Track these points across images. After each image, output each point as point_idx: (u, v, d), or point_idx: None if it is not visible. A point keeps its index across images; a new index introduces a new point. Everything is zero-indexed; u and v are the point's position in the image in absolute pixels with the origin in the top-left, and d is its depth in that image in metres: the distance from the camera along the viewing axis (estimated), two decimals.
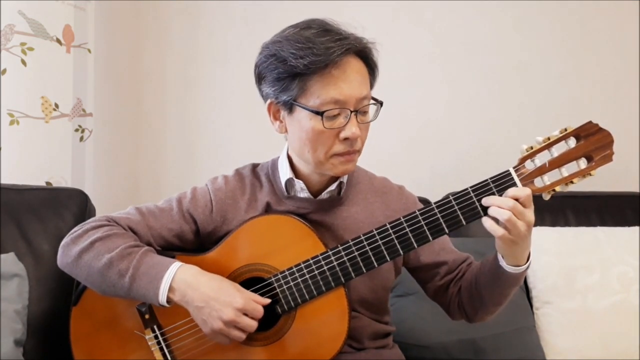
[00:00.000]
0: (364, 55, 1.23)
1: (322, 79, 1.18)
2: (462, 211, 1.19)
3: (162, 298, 1.20)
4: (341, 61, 1.18)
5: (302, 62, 1.17)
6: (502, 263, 1.23)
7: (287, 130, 1.28)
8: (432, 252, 1.38)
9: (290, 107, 1.23)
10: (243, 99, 2.28)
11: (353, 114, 1.20)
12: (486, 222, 1.16)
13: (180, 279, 1.21)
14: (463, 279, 1.36)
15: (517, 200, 1.13)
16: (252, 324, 1.21)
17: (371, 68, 1.26)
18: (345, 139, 1.21)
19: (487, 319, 1.38)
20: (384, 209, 1.37)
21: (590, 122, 1.17)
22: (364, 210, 1.36)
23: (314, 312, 1.26)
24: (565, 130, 1.17)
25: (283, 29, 1.25)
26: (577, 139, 1.17)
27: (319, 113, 1.19)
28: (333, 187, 1.33)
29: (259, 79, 1.27)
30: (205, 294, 1.20)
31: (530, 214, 1.15)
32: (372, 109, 1.26)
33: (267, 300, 1.24)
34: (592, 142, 1.16)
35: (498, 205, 1.14)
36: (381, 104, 1.26)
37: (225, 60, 2.31)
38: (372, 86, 1.28)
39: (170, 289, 1.20)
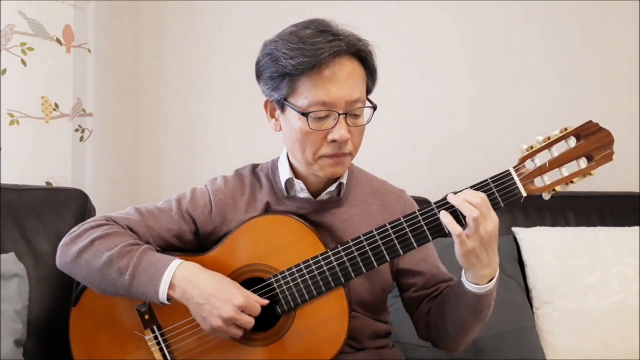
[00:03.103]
0: (362, 57, 1.22)
1: (310, 80, 1.18)
2: None
3: (163, 295, 1.20)
4: (332, 62, 1.17)
5: (291, 63, 1.17)
6: (463, 278, 1.21)
7: (281, 128, 1.28)
8: (411, 259, 1.36)
9: (282, 105, 1.24)
10: (243, 99, 2.28)
11: (342, 116, 1.20)
12: (445, 217, 1.15)
13: (180, 276, 1.21)
14: (436, 299, 1.33)
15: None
16: (250, 321, 1.21)
17: (370, 71, 1.25)
18: (333, 141, 1.21)
19: (450, 347, 1.33)
20: (382, 211, 1.36)
21: (590, 122, 1.17)
22: (363, 212, 1.35)
23: (313, 312, 1.26)
24: (566, 129, 1.17)
25: (286, 27, 1.25)
26: (577, 138, 1.17)
27: (305, 114, 1.19)
28: (332, 187, 1.33)
29: (257, 76, 1.28)
30: (206, 291, 1.20)
31: (491, 220, 1.14)
32: (367, 112, 1.25)
33: (266, 301, 1.24)
34: (593, 141, 1.17)
35: (468, 201, 1.13)
36: (375, 107, 1.25)
37: (225, 60, 2.31)
38: (370, 90, 1.27)
39: (171, 286, 1.20)
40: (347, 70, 1.20)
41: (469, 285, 1.20)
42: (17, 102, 1.94)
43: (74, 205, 1.75)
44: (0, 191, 1.69)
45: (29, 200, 1.72)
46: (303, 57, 1.16)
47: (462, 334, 1.28)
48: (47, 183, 2.00)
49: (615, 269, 1.84)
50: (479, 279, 1.19)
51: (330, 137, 1.21)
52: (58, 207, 1.73)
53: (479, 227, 1.12)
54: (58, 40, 2.02)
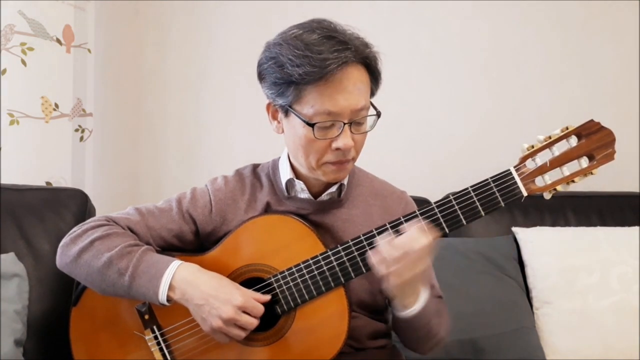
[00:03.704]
0: (367, 63, 1.21)
1: (317, 89, 1.17)
2: (462, 211, 1.19)
3: (162, 297, 1.20)
4: (339, 71, 1.15)
5: (297, 71, 1.15)
6: (394, 302, 1.25)
7: (283, 131, 1.28)
8: None
9: (286, 111, 1.23)
10: (243, 99, 2.28)
11: (347, 125, 1.19)
12: (374, 256, 1.17)
13: (180, 277, 1.21)
14: None
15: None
16: (252, 322, 1.20)
17: (374, 76, 1.23)
18: (337, 149, 1.20)
19: (416, 351, 1.38)
20: (382, 212, 1.36)
21: (591, 121, 1.17)
22: (363, 213, 1.35)
23: (313, 312, 1.26)
24: (567, 128, 1.17)
25: (289, 27, 1.23)
26: (579, 137, 1.17)
27: (310, 125, 1.18)
28: (333, 189, 1.33)
29: (260, 78, 1.26)
30: (205, 292, 1.20)
31: (422, 265, 1.16)
32: (370, 117, 1.24)
33: (267, 297, 1.24)
34: (594, 140, 1.16)
35: (384, 258, 1.15)
36: (379, 115, 1.24)
37: (225, 60, 2.31)
38: (373, 94, 1.26)
39: (170, 287, 1.20)
40: (354, 79, 1.18)
41: (396, 310, 1.26)
42: (17, 102, 1.94)
43: (74, 205, 1.75)
44: (0, 191, 1.69)
45: (29, 200, 1.72)
46: (310, 67, 1.14)
47: (418, 345, 1.35)
48: (47, 183, 2.00)
49: (615, 269, 1.84)
50: (407, 305, 1.23)
51: (334, 145, 1.20)
52: (58, 207, 1.73)
53: (394, 279, 1.16)
54: (58, 40, 2.02)
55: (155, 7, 2.31)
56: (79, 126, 2.12)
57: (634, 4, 2.27)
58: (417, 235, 1.14)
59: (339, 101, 1.17)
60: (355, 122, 1.20)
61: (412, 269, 1.15)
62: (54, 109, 2.01)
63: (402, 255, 1.14)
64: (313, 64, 1.14)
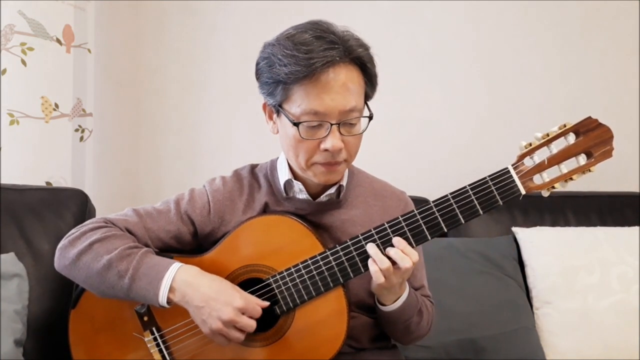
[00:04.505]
0: (360, 64, 1.20)
1: (303, 89, 1.16)
2: (460, 210, 1.19)
3: (163, 299, 1.20)
4: (327, 71, 1.15)
5: (284, 70, 1.15)
6: (376, 297, 1.30)
7: (278, 131, 1.28)
8: None
9: (277, 110, 1.23)
10: (243, 99, 2.28)
11: (335, 126, 1.18)
12: (372, 266, 1.20)
13: (180, 280, 1.21)
14: None
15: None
16: (251, 324, 1.20)
17: (369, 78, 1.22)
18: (326, 150, 1.20)
19: (399, 343, 1.43)
20: (383, 213, 1.36)
21: (589, 118, 1.16)
22: (363, 213, 1.35)
23: (313, 313, 1.26)
24: (565, 126, 1.17)
25: (286, 28, 1.23)
26: (577, 134, 1.17)
27: (296, 124, 1.18)
28: (332, 190, 1.32)
29: (256, 78, 1.27)
30: (206, 294, 1.20)
31: (408, 273, 1.21)
32: (364, 119, 1.23)
33: (267, 303, 1.24)
34: (592, 137, 1.16)
35: (380, 268, 1.19)
36: (370, 117, 1.23)
37: (225, 60, 2.31)
38: (369, 96, 1.25)
39: (171, 289, 1.20)
40: (343, 79, 1.17)
41: (378, 306, 1.30)
42: (17, 102, 1.94)
43: (73, 205, 1.75)
44: (0, 191, 1.69)
45: (29, 200, 1.72)
46: (296, 66, 1.14)
47: (396, 337, 1.39)
48: (47, 183, 2.00)
49: (615, 269, 1.84)
50: (385, 301, 1.28)
51: (323, 146, 1.20)
52: (58, 207, 1.73)
53: (386, 282, 1.20)
54: (58, 40, 2.02)
55: (155, 7, 2.32)
56: (79, 126, 2.12)
57: (633, 4, 2.27)
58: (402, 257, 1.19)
59: (325, 101, 1.16)
60: (345, 123, 1.19)
61: (402, 276, 1.21)
62: (54, 109, 2.02)
63: (388, 266, 1.19)
64: (299, 62, 1.14)
